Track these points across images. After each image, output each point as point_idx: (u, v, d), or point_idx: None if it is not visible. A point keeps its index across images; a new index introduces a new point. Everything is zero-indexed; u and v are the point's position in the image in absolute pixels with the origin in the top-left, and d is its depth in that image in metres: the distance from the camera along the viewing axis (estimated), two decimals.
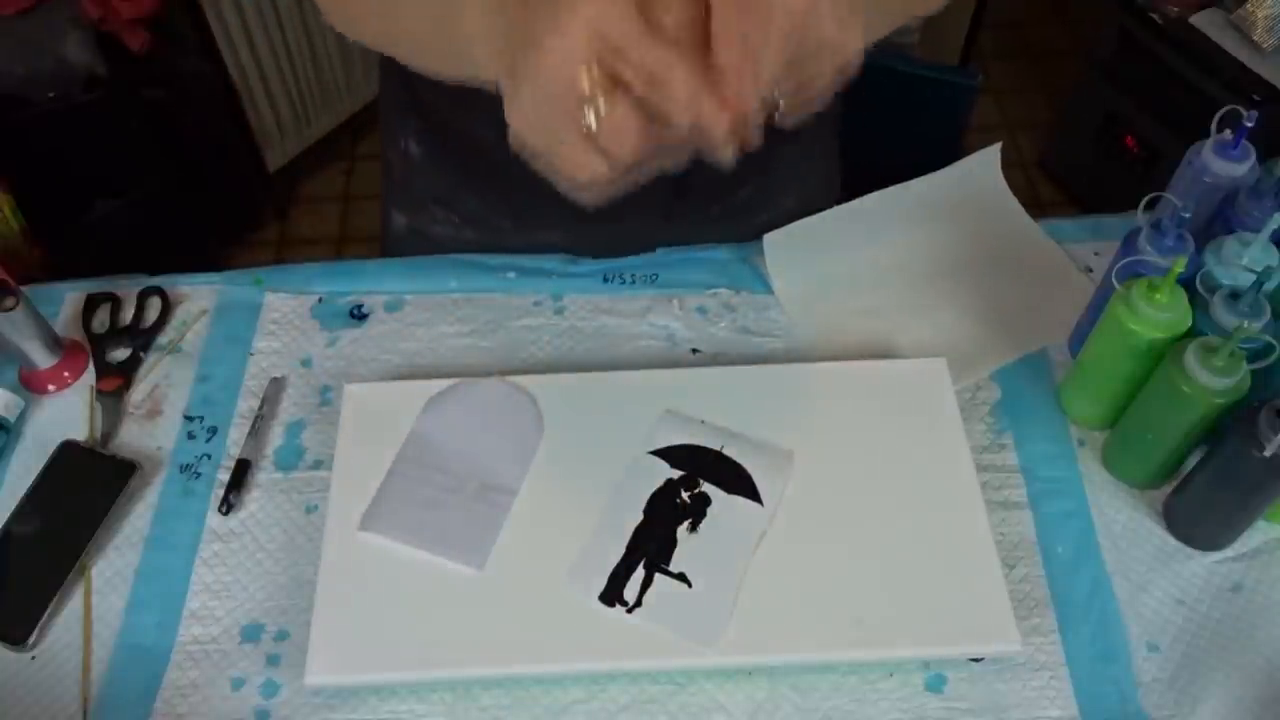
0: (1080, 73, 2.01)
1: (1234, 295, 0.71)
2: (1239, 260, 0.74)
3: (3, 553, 0.76)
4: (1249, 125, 0.76)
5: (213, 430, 0.84)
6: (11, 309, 0.81)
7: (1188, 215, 0.73)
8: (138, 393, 0.87)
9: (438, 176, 0.96)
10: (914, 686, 0.71)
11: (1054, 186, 2.18)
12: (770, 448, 0.78)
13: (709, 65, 0.48)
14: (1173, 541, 0.78)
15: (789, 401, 0.78)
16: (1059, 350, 0.88)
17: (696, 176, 0.88)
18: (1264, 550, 0.77)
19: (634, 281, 0.93)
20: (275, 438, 0.84)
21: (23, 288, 0.82)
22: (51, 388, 0.86)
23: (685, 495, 0.76)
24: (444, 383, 0.82)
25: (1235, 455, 0.69)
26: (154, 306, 0.91)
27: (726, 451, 0.78)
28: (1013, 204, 0.98)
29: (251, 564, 0.77)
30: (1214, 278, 0.74)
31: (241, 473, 0.81)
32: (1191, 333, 0.72)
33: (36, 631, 0.73)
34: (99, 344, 0.89)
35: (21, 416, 0.84)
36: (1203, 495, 0.75)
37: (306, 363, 0.89)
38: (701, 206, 0.93)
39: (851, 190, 0.93)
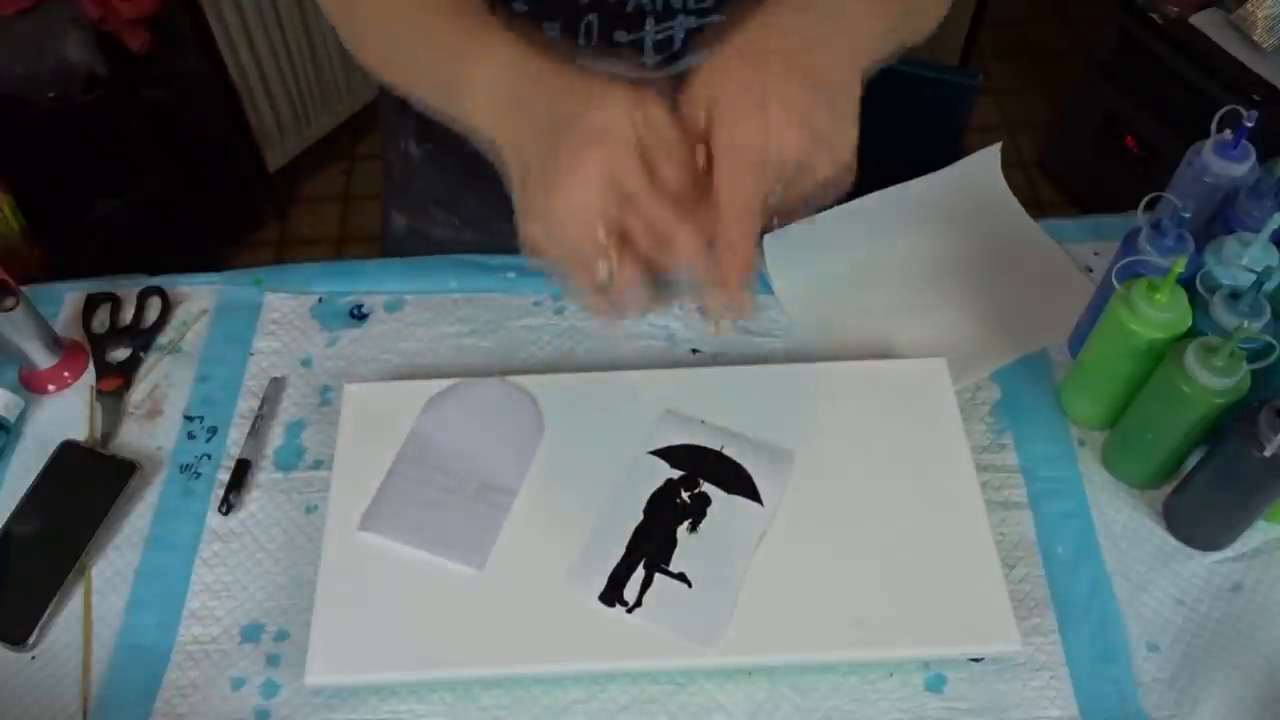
0: (1080, 73, 2.01)
1: (1234, 295, 0.71)
2: (1239, 260, 0.74)
3: (3, 553, 0.76)
4: (1249, 125, 0.76)
5: (213, 430, 0.84)
6: (11, 309, 0.81)
7: (1188, 215, 0.73)
8: (138, 393, 0.87)
9: (438, 178, 0.96)
10: (914, 686, 0.71)
11: (1054, 186, 2.18)
12: (770, 448, 0.78)
13: (710, 223, 0.50)
14: (1173, 541, 0.78)
15: (789, 401, 0.78)
16: (1059, 350, 0.88)
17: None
18: (1264, 550, 0.77)
19: None
20: (275, 438, 0.84)
21: (23, 288, 0.83)
22: (51, 388, 0.86)
23: (685, 495, 0.76)
24: (444, 383, 0.82)
25: (1235, 455, 0.69)
26: (154, 306, 0.91)
27: (726, 451, 0.78)
28: (1013, 204, 0.98)
29: (251, 564, 0.77)
30: (1214, 278, 0.74)
31: (241, 473, 0.81)
32: (1191, 333, 0.72)
33: (36, 631, 0.73)
34: (99, 344, 0.89)
35: (21, 416, 0.84)
36: (1203, 495, 0.75)
37: (306, 363, 0.89)
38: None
39: (851, 190, 0.93)
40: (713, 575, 0.72)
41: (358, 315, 0.92)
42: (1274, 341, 0.68)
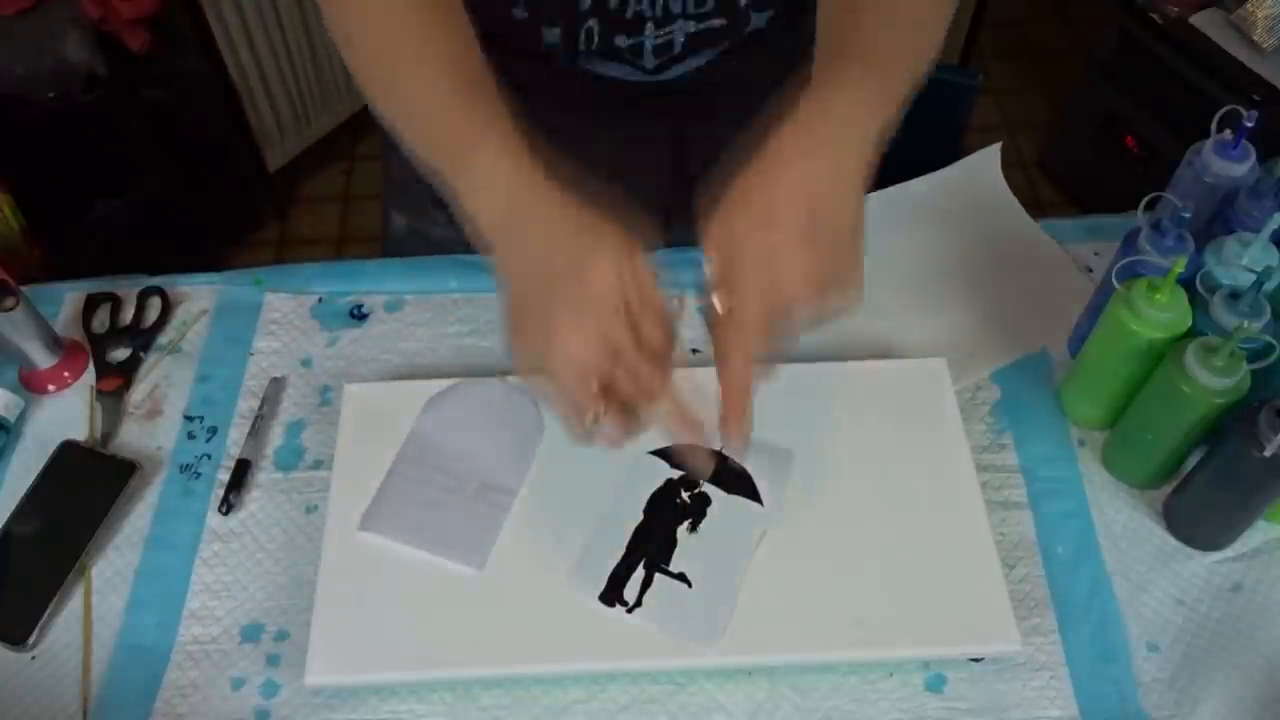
0: (1080, 73, 2.01)
1: (1234, 295, 0.71)
2: (1239, 260, 0.74)
3: (3, 553, 0.76)
4: (1249, 125, 0.76)
5: (213, 430, 0.84)
6: (11, 309, 0.81)
7: (1188, 215, 0.73)
8: (138, 393, 0.87)
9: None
10: (914, 686, 0.71)
11: (1054, 186, 2.18)
12: (770, 448, 0.78)
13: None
14: (1173, 541, 0.78)
15: (789, 401, 0.78)
16: (1059, 350, 0.88)
17: (696, 182, 0.88)
18: (1264, 550, 0.77)
19: None
20: (275, 438, 0.84)
21: (23, 288, 0.83)
22: (51, 388, 0.86)
23: (685, 495, 0.76)
24: (444, 383, 0.82)
25: (1235, 455, 0.69)
26: (154, 306, 0.91)
27: (726, 451, 0.78)
28: (1013, 204, 0.98)
29: (251, 564, 0.77)
30: (1214, 278, 0.74)
31: (241, 473, 0.81)
32: (1191, 333, 0.72)
33: (36, 631, 0.73)
34: (99, 344, 0.89)
35: (21, 416, 0.84)
36: (1203, 495, 0.75)
37: (306, 363, 0.89)
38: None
39: None
40: (713, 575, 0.72)
41: (358, 315, 0.92)
42: (1274, 341, 0.68)
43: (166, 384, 0.87)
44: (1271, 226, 0.71)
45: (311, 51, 1.98)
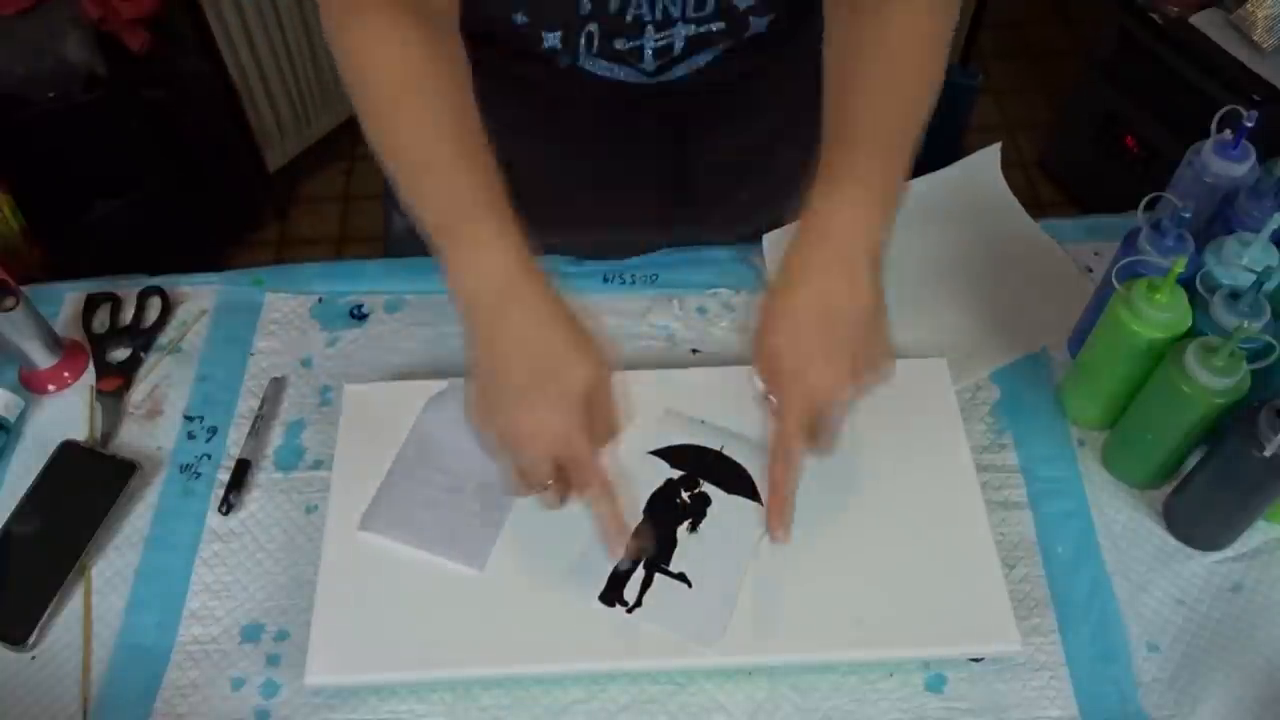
0: (1080, 73, 2.01)
1: (1234, 295, 0.71)
2: (1239, 260, 0.74)
3: (3, 553, 0.76)
4: (1249, 125, 0.76)
5: (213, 430, 0.84)
6: (11, 309, 0.81)
7: (1188, 215, 0.73)
8: (138, 393, 0.87)
9: None
10: (914, 686, 0.71)
11: (1054, 186, 2.18)
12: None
13: None
14: (1173, 541, 0.78)
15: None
16: (1059, 350, 0.88)
17: (696, 183, 0.89)
18: (1264, 550, 0.77)
19: (634, 281, 0.93)
20: (275, 438, 0.84)
21: (23, 288, 0.83)
22: (51, 388, 0.86)
23: (685, 495, 0.76)
24: (444, 383, 0.82)
25: (1235, 455, 0.69)
26: (154, 307, 0.91)
27: (726, 451, 0.78)
28: (1013, 204, 0.98)
29: (251, 564, 0.77)
30: (1214, 278, 0.74)
31: (241, 473, 0.81)
32: (1191, 333, 0.72)
33: (36, 631, 0.73)
34: (99, 344, 0.89)
35: (21, 416, 0.84)
36: (1203, 495, 0.75)
37: (306, 363, 0.89)
38: (701, 211, 0.93)
39: None
40: (713, 575, 0.72)
41: (358, 315, 0.92)
42: (1274, 341, 0.68)
43: (166, 384, 0.87)
44: (1271, 226, 0.71)
45: (311, 51, 1.98)
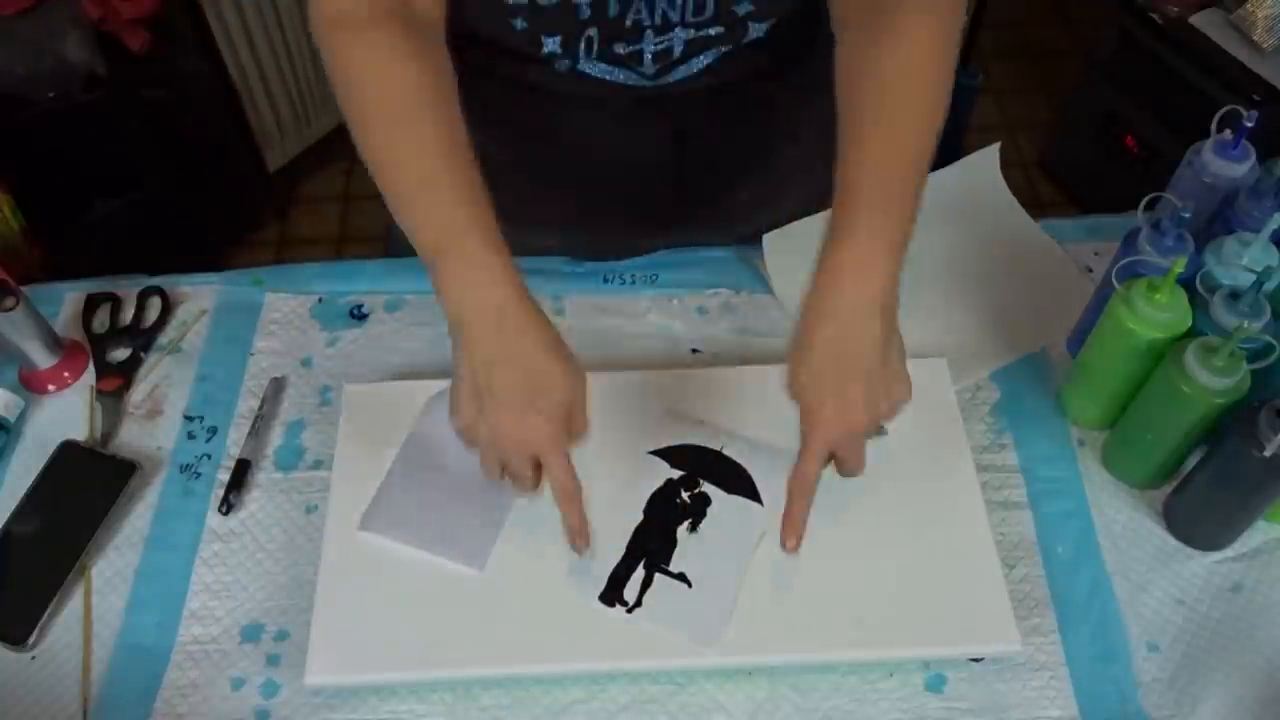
0: (1080, 73, 2.01)
1: (1234, 295, 0.71)
2: (1239, 260, 0.74)
3: (3, 553, 0.76)
4: (1249, 125, 0.76)
5: (213, 430, 0.84)
6: (11, 309, 0.81)
7: (1188, 215, 0.73)
8: (138, 393, 0.87)
9: None
10: (914, 686, 0.71)
11: (1054, 186, 2.18)
12: (770, 448, 0.78)
13: None
14: (1173, 541, 0.78)
15: (789, 401, 0.78)
16: (1059, 350, 0.88)
17: (695, 183, 0.89)
18: (1264, 550, 0.77)
19: (634, 281, 0.93)
20: (275, 438, 0.84)
21: (23, 288, 0.83)
22: (51, 388, 0.86)
23: (685, 495, 0.76)
24: (444, 383, 0.82)
25: (1235, 455, 0.69)
26: (154, 306, 0.91)
27: (726, 451, 0.78)
28: (1013, 204, 0.98)
29: (251, 564, 0.77)
30: (1214, 278, 0.74)
31: (241, 473, 0.81)
32: (1191, 333, 0.72)
33: (36, 631, 0.73)
34: (99, 344, 0.89)
35: (21, 416, 0.84)
36: (1203, 495, 0.75)
37: (306, 363, 0.89)
38: (701, 212, 0.93)
39: None
40: (713, 575, 0.72)
41: (358, 315, 0.92)
42: (1274, 341, 0.68)
43: (166, 384, 0.87)
44: (1271, 226, 0.71)
45: (312, 51, 1.96)
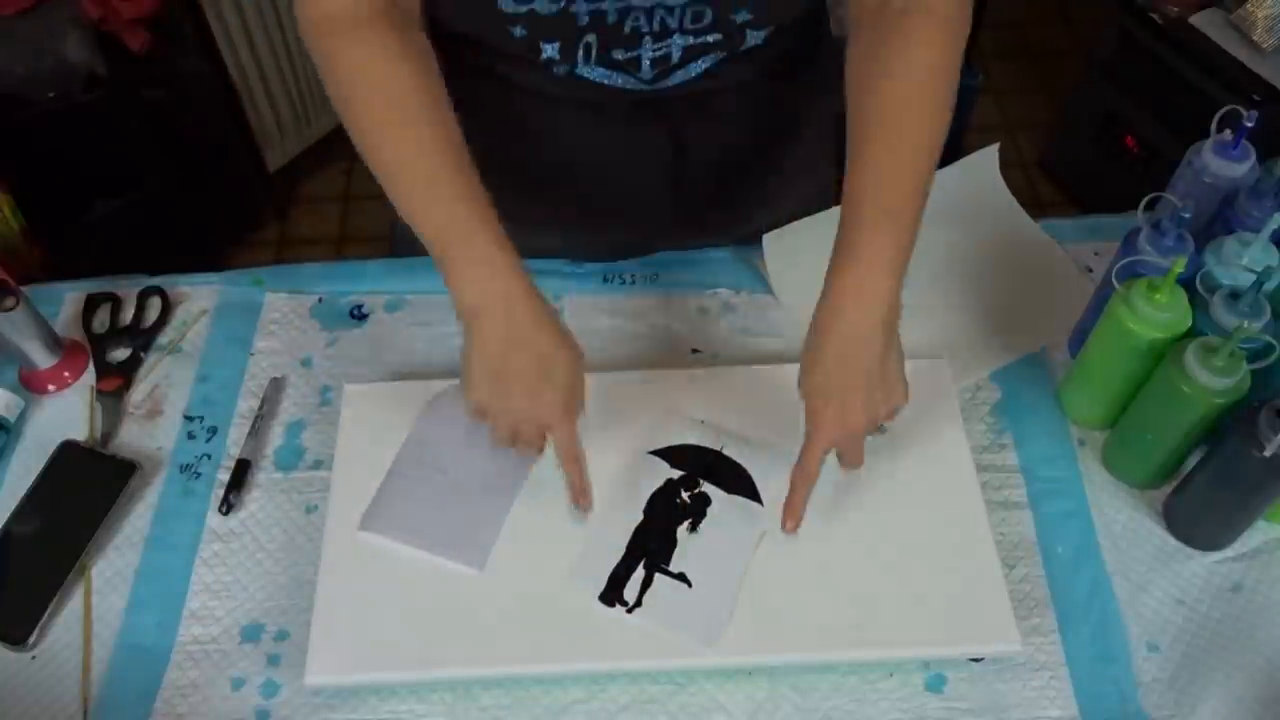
0: (1080, 73, 2.01)
1: (1234, 295, 0.71)
2: (1239, 260, 0.74)
3: (3, 553, 0.76)
4: (1249, 125, 0.76)
5: (213, 430, 0.84)
6: (11, 309, 0.81)
7: (1188, 215, 0.73)
8: (138, 393, 0.87)
9: None
10: (914, 686, 0.71)
11: (1054, 186, 2.18)
12: (770, 448, 0.78)
13: None
14: (1173, 541, 0.78)
15: (789, 401, 0.78)
16: (1059, 350, 0.88)
17: (694, 184, 0.89)
18: (1264, 550, 0.77)
19: (634, 281, 0.93)
20: (275, 438, 0.84)
21: (23, 288, 0.83)
22: (51, 388, 0.86)
23: (685, 495, 0.76)
24: (444, 383, 0.82)
25: (1235, 455, 0.69)
26: (154, 306, 0.92)
27: (726, 451, 0.78)
28: (1012, 204, 0.98)
29: (251, 564, 0.77)
30: (1214, 278, 0.74)
31: (241, 473, 0.81)
32: (1191, 333, 0.72)
33: (36, 631, 0.73)
34: (99, 344, 0.89)
35: (21, 416, 0.84)
36: (1203, 495, 0.75)
37: (306, 363, 0.89)
38: (700, 212, 0.93)
39: None
40: (713, 575, 0.72)
41: (358, 315, 0.92)
42: (1274, 341, 0.68)
43: (166, 384, 0.87)
44: (1271, 226, 0.71)
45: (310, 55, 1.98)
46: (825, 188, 0.99)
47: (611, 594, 0.71)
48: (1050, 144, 2.19)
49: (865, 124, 0.71)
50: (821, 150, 1.00)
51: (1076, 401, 0.83)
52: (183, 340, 0.90)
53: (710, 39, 0.74)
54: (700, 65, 0.76)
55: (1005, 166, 0.98)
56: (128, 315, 0.91)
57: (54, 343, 0.86)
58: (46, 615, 0.74)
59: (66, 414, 0.85)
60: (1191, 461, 0.77)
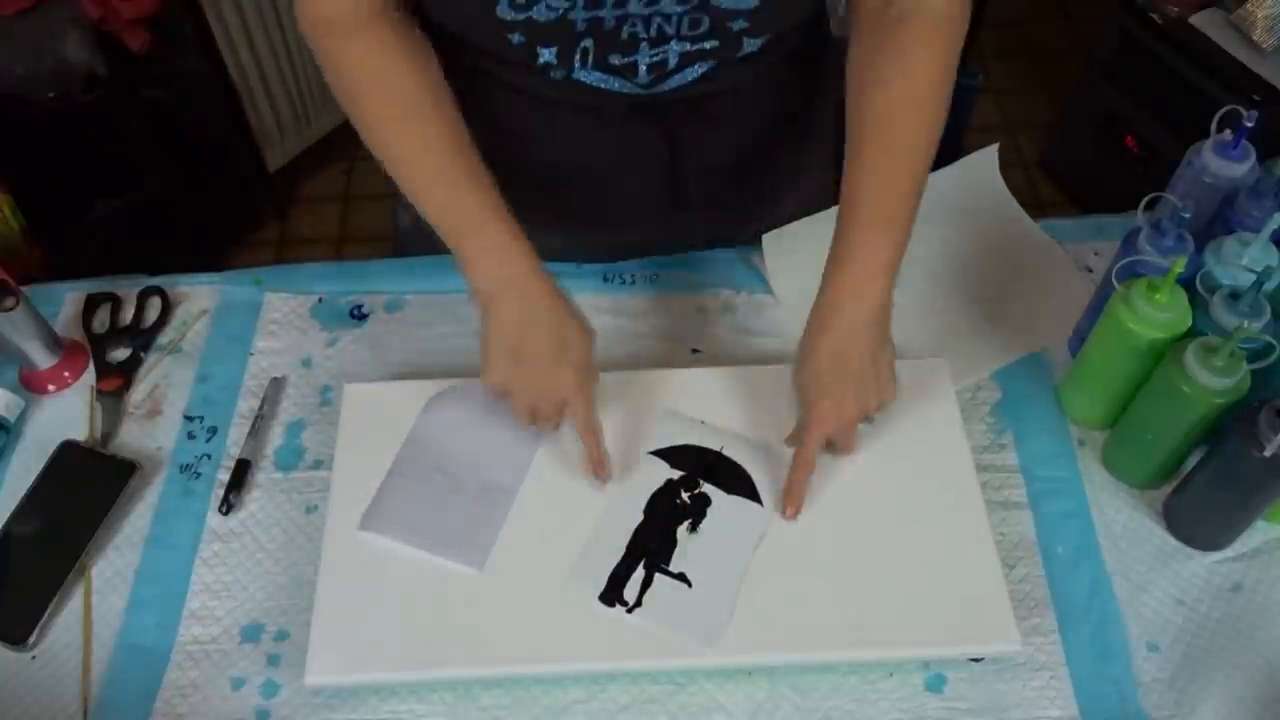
0: (1080, 73, 2.01)
1: (1234, 295, 0.71)
2: (1239, 260, 0.74)
3: (3, 553, 0.76)
4: (1249, 125, 0.76)
5: (213, 430, 0.84)
6: (11, 309, 0.81)
7: (1188, 215, 0.73)
8: (138, 393, 0.87)
9: None
10: (914, 686, 0.71)
11: (1054, 186, 2.18)
12: (770, 448, 0.78)
13: None
14: (1173, 541, 0.78)
15: (789, 401, 0.78)
16: (1059, 350, 0.88)
17: (692, 186, 0.89)
18: (1264, 550, 0.77)
19: (634, 281, 0.93)
20: (275, 438, 0.84)
21: (23, 288, 0.83)
22: (51, 388, 0.86)
23: (685, 495, 0.76)
24: (444, 383, 0.82)
25: (1235, 455, 0.69)
26: (154, 306, 0.92)
27: (726, 452, 0.78)
28: (1012, 204, 0.98)
29: (251, 564, 0.77)
30: (1214, 278, 0.74)
31: (241, 473, 0.81)
32: (1191, 333, 0.72)
33: (36, 631, 0.73)
34: (99, 344, 0.89)
35: (21, 416, 0.84)
36: (1203, 495, 0.75)
37: (306, 363, 0.89)
38: (698, 214, 0.93)
39: None
40: (713, 575, 0.72)
41: (358, 315, 0.92)
42: (1274, 341, 0.68)
43: (166, 384, 0.87)
44: (1271, 226, 0.71)
45: (312, 51, 1.98)
46: (825, 188, 0.99)
47: (611, 594, 0.71)
48: (1050, 144, 2.19)
49: (862, 126, 0.73)
50: (821, 151, 1.00)
51: (1076, 401, 0.83)
52: (183, 340, 0.90)
53: (707, 45, 0.74)
54: (697, 70, 0.76)
55: (1005, 166, 0.99)
56: (128, 315, 0.91)
57: (54, 343, 0.86)
58: (46, 615, 0.74)
59: (66, 414, 0.85)
60: (1191, 461, 0.77)
